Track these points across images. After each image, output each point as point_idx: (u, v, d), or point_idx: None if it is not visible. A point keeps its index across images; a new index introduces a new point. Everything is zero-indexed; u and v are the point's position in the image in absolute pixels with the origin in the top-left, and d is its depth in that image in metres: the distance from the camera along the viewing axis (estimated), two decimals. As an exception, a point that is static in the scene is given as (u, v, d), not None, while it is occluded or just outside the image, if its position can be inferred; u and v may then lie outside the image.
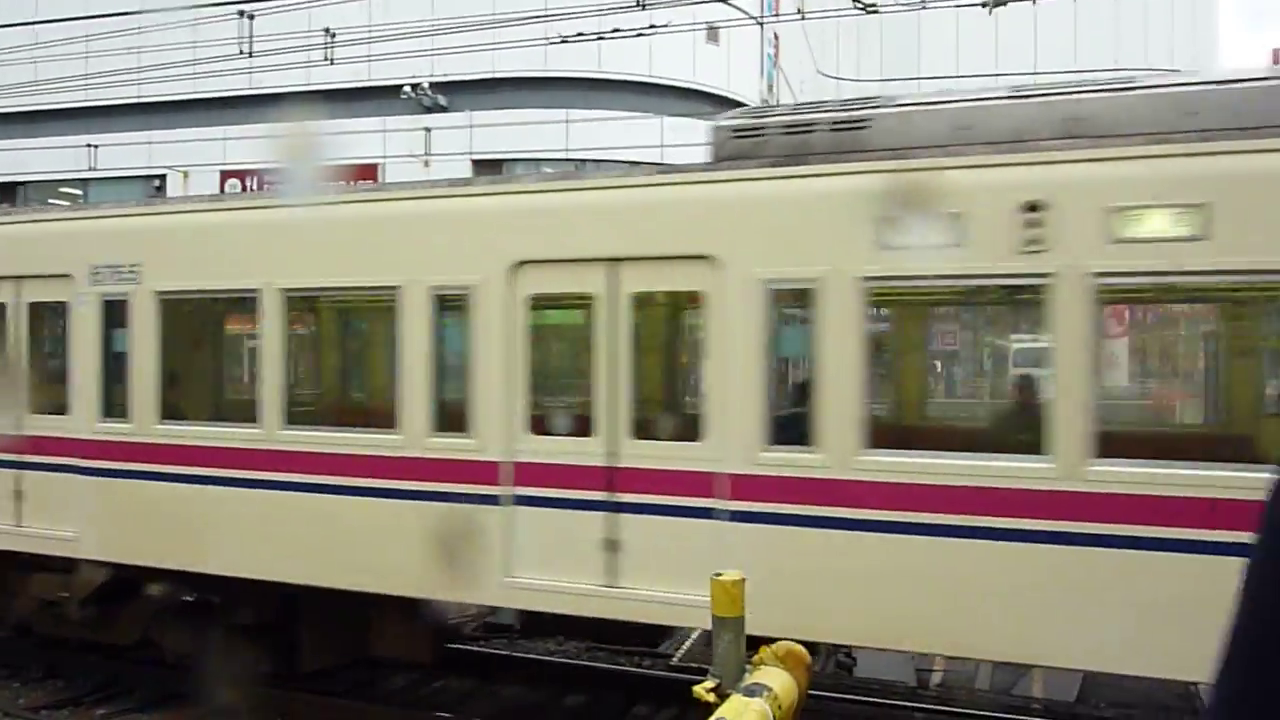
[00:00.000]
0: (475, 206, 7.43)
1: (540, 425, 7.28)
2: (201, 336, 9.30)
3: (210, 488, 8.11)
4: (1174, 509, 5.61)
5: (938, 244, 6.20)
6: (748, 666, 4.19)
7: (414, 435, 7.46)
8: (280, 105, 27.09)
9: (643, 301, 7.07)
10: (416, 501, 7.47)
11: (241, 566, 8.04)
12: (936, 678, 9.68)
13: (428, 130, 26.97)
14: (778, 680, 4.04)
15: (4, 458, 9.08)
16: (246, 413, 8.13)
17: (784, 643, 4.29)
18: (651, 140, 24.07)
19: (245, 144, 26.18)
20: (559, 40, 18.53)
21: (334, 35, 22.72)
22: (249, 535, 7.99)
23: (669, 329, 7.94)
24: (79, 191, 29.98)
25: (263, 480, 7.93)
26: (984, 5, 14.53)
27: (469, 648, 10.19)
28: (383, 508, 7.55)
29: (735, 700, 3.83)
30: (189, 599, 8.47)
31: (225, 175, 28.59)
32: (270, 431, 7.91)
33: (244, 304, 8.22)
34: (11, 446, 9.04)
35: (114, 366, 8.71)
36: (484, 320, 7.26)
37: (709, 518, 6.72)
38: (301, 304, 8.22)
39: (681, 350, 7.71)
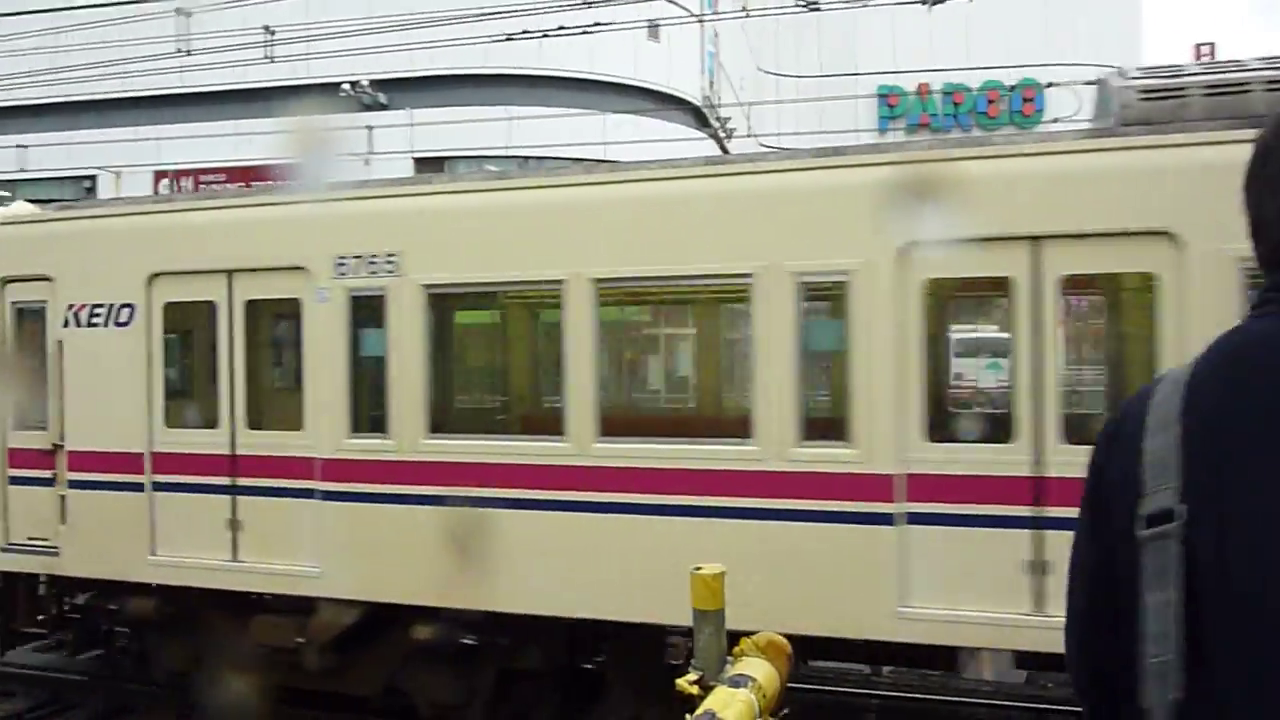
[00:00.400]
0: (851, 180, 6.43)
1: (941, 431, 6.32)
2: (482, 336, 8.09)
3: (498, 512, 6.95)
4: None
5: None
6: (729, 658, 4.20)
7: (775, 445, 6.42)
8: (216, 104, 25.98)
9: (1074, 285, 6.15)
10: (776, 522, 6.44)
11: (544, 603, 6.90)
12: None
13: (369, 128, 26.11)
14: (760, 670, 4.11)
15: (215, 481, 7.79)
16: (546, 425, 6.99)
17: (764, 633, 4.31)
18: (594, 137, 23.67)
19: (180, 143, 25.29)
20: (503, 38, 18.28)
21: (273, 33, 22.32)
22: (551, 566, 6.85)
23: (1108, 316, 7.03)
24: (8, 193, 28.42)
25: (571, 502, 6.81)
26: (922, 3, 14.20)
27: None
28: (732, 530, 6.49)
29: (721, 692, 3.88)
30: (469, 642, 7.27)
31: (159, 175, 27.37)
32: (581, 445, 6.78)
33: (542, 297, 7.07)
34: (225, 468, 7.75)
35: (365, 373, 7.49)
36: (867, 310, 6.26)
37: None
38: (619, 296, 7.10)
39: (1124, 340, 6.79)
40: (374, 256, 7.23)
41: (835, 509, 6.33)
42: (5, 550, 8.42)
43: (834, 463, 6.33)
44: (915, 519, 6.23)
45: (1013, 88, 34.21)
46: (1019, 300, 6.09)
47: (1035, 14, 34.49)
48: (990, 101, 35.53)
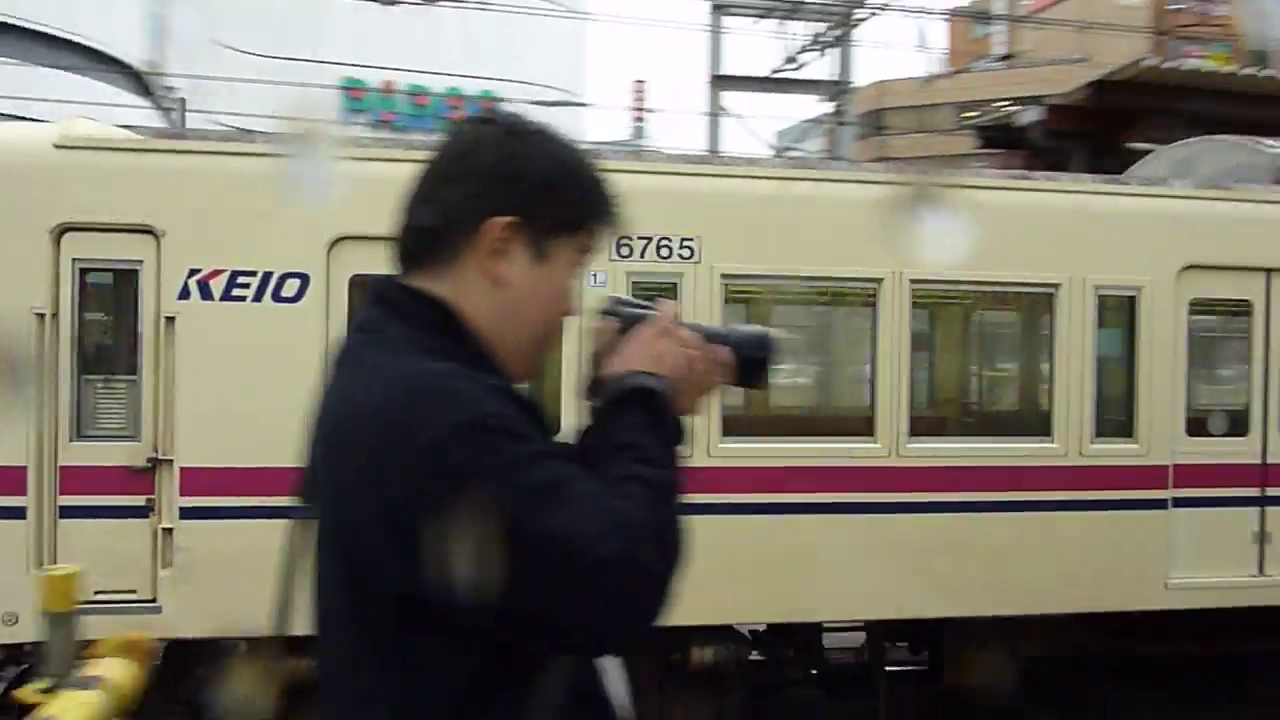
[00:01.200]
0: None
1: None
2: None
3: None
4: None
5: None
6: (83, 661, 4.14)
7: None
8: None
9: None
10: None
11: None
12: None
13: None
14: (115, 670, 4.02)
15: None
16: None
17: (124, 633, 4.32)
18: (14, 90, 20.65)
19: None
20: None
21: None
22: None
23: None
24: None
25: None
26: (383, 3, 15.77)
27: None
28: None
29: (65, 696, 3.78)
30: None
31: None
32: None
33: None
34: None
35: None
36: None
37: None
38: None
39: None
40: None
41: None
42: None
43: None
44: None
45: (473, 97, 36.15)
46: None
47: (496, 29, 36.40)
48: (453, 108, 36.81)
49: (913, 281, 6.71)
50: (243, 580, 5.93)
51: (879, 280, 6.65)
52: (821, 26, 17.77)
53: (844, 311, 7.34)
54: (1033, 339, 7.43)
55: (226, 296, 6.03)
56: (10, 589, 5.86)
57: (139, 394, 6.03)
